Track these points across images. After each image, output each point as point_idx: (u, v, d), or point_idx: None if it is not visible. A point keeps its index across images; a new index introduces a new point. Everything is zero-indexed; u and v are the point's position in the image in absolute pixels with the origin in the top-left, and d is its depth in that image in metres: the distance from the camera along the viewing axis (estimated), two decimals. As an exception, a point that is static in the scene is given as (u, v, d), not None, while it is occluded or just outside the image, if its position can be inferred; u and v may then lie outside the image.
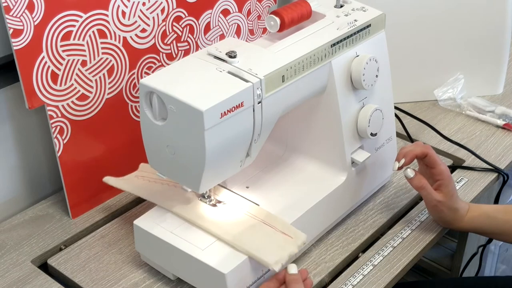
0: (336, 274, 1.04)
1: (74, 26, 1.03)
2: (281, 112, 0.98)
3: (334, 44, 1.01)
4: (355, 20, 1.05)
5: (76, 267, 1.04)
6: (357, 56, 1.05)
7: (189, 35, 1.20)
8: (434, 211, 1.09)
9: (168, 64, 1.18)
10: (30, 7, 0.98)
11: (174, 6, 1.15)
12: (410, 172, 1.05)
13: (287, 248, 0.94)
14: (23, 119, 1.12)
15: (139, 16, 1.11)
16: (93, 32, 1.06)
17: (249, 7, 1.29)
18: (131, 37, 1.11)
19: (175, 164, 0.92)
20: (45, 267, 1.06)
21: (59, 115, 1.07)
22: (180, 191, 1.03)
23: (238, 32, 1.29)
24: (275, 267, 0.91)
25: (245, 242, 0.95)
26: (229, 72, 0.90)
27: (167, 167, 0.94)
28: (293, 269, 0.94)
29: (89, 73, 1.08)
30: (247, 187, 1.07)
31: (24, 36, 0.98)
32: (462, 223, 1.08)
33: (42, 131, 1.15)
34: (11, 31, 0.97)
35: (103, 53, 1.09)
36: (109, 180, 1.09)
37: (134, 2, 1.09)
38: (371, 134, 1.08)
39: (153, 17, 1.13)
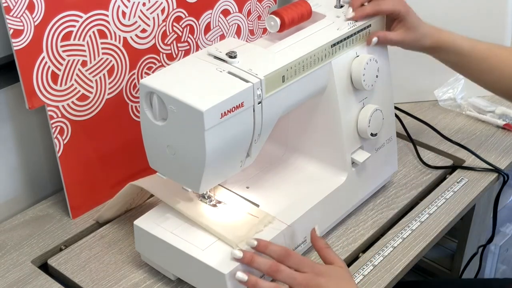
0: (336, 274, 1.04)
1: (74, 26, 1.03)
2: (281, 113, 0.98)
3: (334, 45, 1.01)
4: (355, 20, 1.05)
5: (77, 267, 1.04)
6: (357, 56, 1.05)
7: (189, 35, 1.20)
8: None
9: (168, 64, 1.18)
10: (30, 8, 0.98)
11: (174, 7, 1.15)
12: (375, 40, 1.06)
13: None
14: (23, 119, 1.12)
15: (139, 17, 1.11)
16: (93, 32, 1.06)
17: (249, 7, 1.29)
18: (131, 37, 1.11)
19: (175, 165, 0.92)
20: (45, 267, 1.06)
21: (59, 115, 1.07)
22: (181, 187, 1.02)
23: (238, 33, 1.29)
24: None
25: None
26: (229, 72, 0.90)
27: (167, 167, 0.94)
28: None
29: (89, 73, 1.08)
30: (247, 188, 1.07)
31: (24, 36, 0.98)
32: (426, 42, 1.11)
33: (42, 131, 1.15)
34: (11, 31, 0.97)
35: (103, 53, 1.09)
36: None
37: (134, 2, 1.09)
38: (371, 134, 1.08)
39: (153, 18, 1.13)
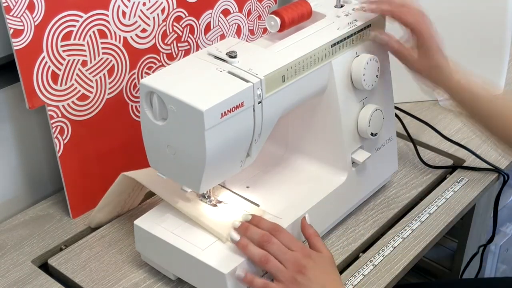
0: (336, 274, 1.04)
1: (74, 26, 1.03)
2: (282, 112, 0.98)
3: (334, 44, 1.01)
4: (355, 20, 1.05)
5: (77, 267, 1.04)
6: (358, 56, 1.05)
7: (190, 35, 1.20)
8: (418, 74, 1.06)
9: (168, 64, 1.18)
10: (31, 7, 0.98)
11: (175, 6, 1.15)
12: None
13: None
14: (23, 119, 1.12)
15: (139, 16, 1.11)
16: (93, 32, 1.06)
17: (249, 7, 1.29)
18: (131, 37, 1.11)
19: (175, 164, 0.92)
20: (45, 267, 1.06)
21: (60, 115, 1.07)
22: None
23: (238, 32, 1.29)
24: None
25: None
26: (229, 72, 0.90)
27: (167, 167, 0.94)
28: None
29: (90, 73, 1.08)
30: (248, 187, 1.07)
31: (25, 36, 0.98)
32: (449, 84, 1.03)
33: (43, 131, 1.15)
34: (11, 31, 0.97)
35: (103, 53, 1.09)
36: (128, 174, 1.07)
37: (134, 2, 1.09)
38: (372, 134, 1.08)
39: (154, 17, 1.13)
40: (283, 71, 0.94)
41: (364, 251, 1.08)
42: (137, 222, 1.00)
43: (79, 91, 1.08)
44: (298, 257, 0.91)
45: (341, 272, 1.04)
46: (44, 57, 1.02)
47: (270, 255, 0.92)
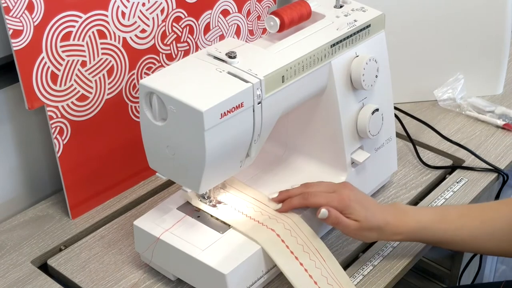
0: (336, 274, 1.04)
1: (74, 26, 1.03)
2: (281, 113, 0.98)
3: (333, 45, 1.01)
4: (355, 21, 1.05)
5: (76, 268, 1.04)
6: (357, 56, 1.05)
7: (189, 35, 1.20)
8: (360, 238, 1.01)
9: (168, 65, 1.18)
10: (30, 8, 0.98)
11: (174, 7, 1.15)
12: (324, 213, 0.97)
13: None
14: (23, 119, 1.12)
15: (138, 17, 1.11)
16: (92, 32, 1.06)
17: (248, 7, 1.29)
18: (130, 37, 1.11)
19: (175, 165, 0.92)
20: (45, 268, 1.06)
21: (59, 115, 1.07)
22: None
23: (237, 33, 1.29)
24: None
25: None
26: (229, 73, 0.90)
27: (167, 168, 0.94)
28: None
29: (89, 74, 1.08)
30: (247, 188, 1.07)
31: (24, 37, 0.98)
32: (398, 237, 1.00)
33: (42, 132, 1.15)
34: (10, 31, 0.97)
35: (103, 53, 1.09)
36: None
37: (133, 2, 1.09)
38: (371, 134, 1.08)
39: (153, 18, 1.13)
40: (282, 71, 0.94)
41: (363, 251, 1.08)
42: (137, 222, 1.00)
43: (79, 91, 1.08)
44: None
45: (340, 272, 1.04)
46: (43, 58, 1.02)
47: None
